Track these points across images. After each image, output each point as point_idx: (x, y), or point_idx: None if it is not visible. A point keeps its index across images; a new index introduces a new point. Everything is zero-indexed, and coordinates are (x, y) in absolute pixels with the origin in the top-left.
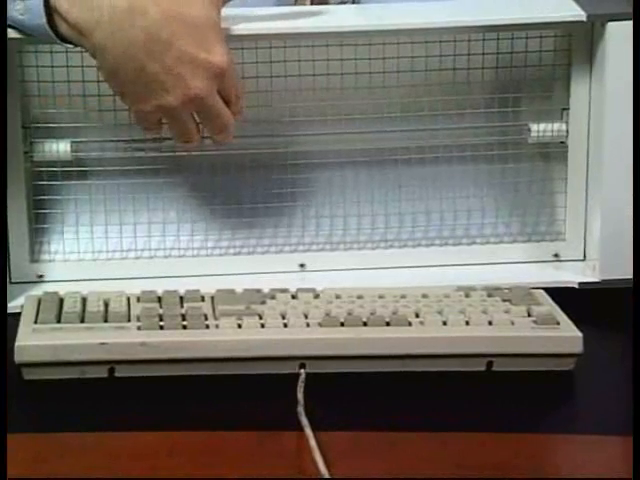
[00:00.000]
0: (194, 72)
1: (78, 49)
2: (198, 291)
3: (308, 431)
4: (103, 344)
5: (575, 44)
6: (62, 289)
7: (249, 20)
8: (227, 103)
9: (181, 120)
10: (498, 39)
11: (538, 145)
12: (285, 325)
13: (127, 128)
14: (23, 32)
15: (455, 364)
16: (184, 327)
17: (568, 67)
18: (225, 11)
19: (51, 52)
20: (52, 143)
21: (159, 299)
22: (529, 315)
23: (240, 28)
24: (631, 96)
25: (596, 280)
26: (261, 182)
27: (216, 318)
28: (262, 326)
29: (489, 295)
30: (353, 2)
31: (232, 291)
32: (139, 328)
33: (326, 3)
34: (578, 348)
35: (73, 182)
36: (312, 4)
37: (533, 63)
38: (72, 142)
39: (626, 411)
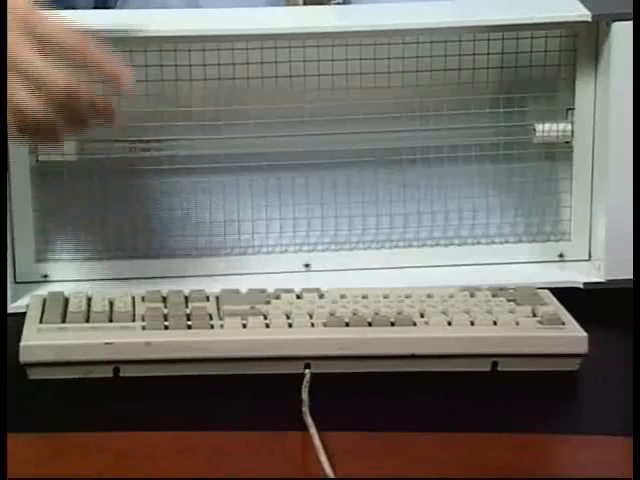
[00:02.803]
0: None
1: None
2: (203, 291)
3: (313, 431)
4: (108, 344)
5: (580, 44)
6: (67, 289)
7: (252, 20)
8: None
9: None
10: (503, 39)
11: (543, 145)
12: (290, 325)
13: (132, 128)
14: None
15: (460, 364)
16: (189, 327)
17: (573, 67)
18: (227, 11)
19: None
20: None
21: (164, 299)
22: (534, 315)
23: (244, 28)
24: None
25: (601, 280)
26: (265, 182)
27: (221, 318)
28: (267, 326)
29: (494, 295)
30: (344, 2)
31: (237, 291)
32: (144, 328)
33: (320, 3)
34: (583, 348)
35: (78, 182)
36: (305, 4)
37: (538, 63)
38: (77, 142)
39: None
